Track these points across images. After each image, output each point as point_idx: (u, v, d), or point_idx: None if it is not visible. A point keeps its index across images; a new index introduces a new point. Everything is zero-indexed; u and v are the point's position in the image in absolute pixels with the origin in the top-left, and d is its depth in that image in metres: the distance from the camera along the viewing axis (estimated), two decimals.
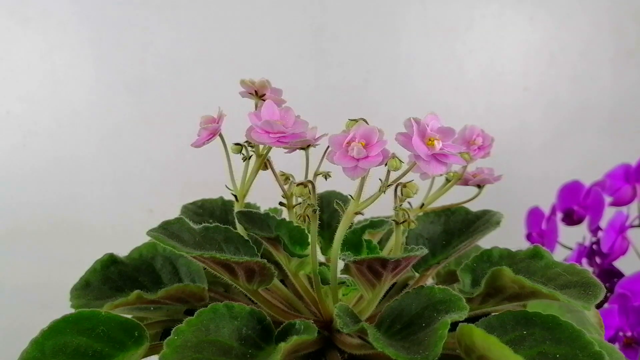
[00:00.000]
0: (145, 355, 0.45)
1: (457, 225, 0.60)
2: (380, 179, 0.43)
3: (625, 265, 0.81)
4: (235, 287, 0.51)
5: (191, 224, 0.48)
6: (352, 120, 0.43)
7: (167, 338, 0.39)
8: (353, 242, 0.54)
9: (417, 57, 1.13)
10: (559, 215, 0.89)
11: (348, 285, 0.53)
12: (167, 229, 0.47)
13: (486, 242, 0.57)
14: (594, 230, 0.84)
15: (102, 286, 0.53)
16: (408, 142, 0.41)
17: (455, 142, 0.43)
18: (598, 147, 1.19)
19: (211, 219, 0.62)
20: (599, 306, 0.62)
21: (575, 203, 0.88)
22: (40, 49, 1.03)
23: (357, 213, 0.45)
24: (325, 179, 0.54)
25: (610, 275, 0.81)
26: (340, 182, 0.51)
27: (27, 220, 1.07)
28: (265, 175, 0.52)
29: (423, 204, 0.58)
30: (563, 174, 0.95)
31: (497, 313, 0.45)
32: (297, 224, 0.52)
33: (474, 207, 0.61)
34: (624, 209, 0.84)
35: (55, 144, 1.07)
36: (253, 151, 0.51)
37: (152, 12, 1.05)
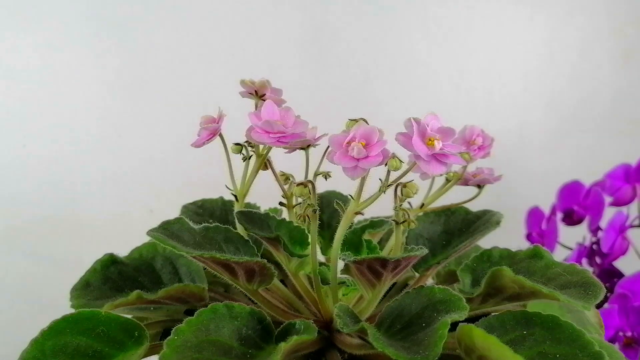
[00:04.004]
0: (145, 355, 0.45)
1: (457, 225, 0.60)
2: (380, 179, 0.43)
3: (625, 265, 0.81)
4: (235, 287, 0.51)
5: (191, 224, 0.48)
6: (352, 120, 0.43)
7: (167, 338, 0.39)
8: (353, 242, 0.54)
9: (417, 57, 1.13)
10: (559, 215, 0.89)
11: (348, 285, 0.53)
12: (167, 229, 0.47)
13: (486, 242, 0.57)
14: (594, 230, 0.84)
15: (102, 286, 0.53)
16: (408, 142, 0.41)
17: (455, 142, 0.43)
18: (598, 147, 1.19)
19: (211, 219, 0.62)
20: (599, 306, 0.62)
21: (575, 203, 0.88)
22: (40, 49, 1.03)
23: (357, 213, 0.45)
24: (325, 179, 0.54)
25: (610, 275, 0.81)
26: (340, 182, 0.51)
27: (27, 220, 1.07)
28: (265, 175, 0.52)
29: (423, 204, 0.58)
30: (563, 174, 0.95)
31: (497, 313, 0.45)
32: (297, 224, 0.52)
33: (474, 207, 0.61)
34: (624, 209, 0.84)
35: (55, 144, 1.07)
36: (253, 151, 0.51)
37: (152, 12, 1.05)
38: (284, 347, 0.39)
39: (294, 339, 0.40)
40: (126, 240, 0.58)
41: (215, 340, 0.40)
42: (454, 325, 0.41)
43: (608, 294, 0.75)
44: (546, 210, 0.91)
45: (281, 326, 0.45)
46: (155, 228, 0.46)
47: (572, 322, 0.41)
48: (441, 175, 0.45)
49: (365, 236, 0.55)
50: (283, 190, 0.53)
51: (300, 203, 0.53)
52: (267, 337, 0.44)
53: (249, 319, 0.44)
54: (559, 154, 1.19)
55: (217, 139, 0.49)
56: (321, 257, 0.59)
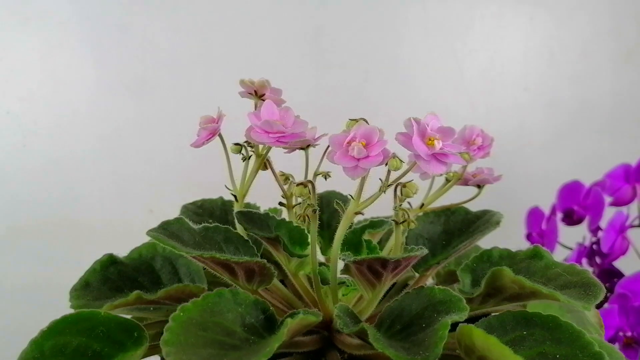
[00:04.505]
0: (145, 356, 0.45)
1: (457, 225, 0.60)
2: (380, 179, 0.43)
3: (625, 265, 0.81)
4: (235, 287, 0.50)
5: (191, 224, 0.48)
6: (352, 120, 0.43)
7: (173, 313, 0.39)
8: (353, 242, 0.54)
9: (417, 57, 1.13)
10: (559, 215, 0.89)
11: (348, 286, 0.53)
12: (166, 229, 0.47)
13: (486, 242, 0.57)
14: (594, 230, 0.84)
15: (101, 286, 0.53)
16: (408, 141, 0.41)
17: (455, 142, 0.43)
18: (598, 147, 1.19)
19: (211, 219, 0.62)
20: (599, 306, 0.62)
21: (575, 203, 0.88)
22: (40, 49, 1.03)
23: (357, 213, 0.45)
24: (325, 179, 0.54)
25: (610, 275, 0.81)
26: (340, 182, 0.50)
27: (27, 220, 1.07)
28: (265, 175, 0.52)
29: (423, 204, 0.58)
30: (563, 174, 0.95)
31: (497, 313, 0.45)
32: (297, 224, 0.52)
33: (474, 207, 0.61)
34: (624, 209, 0.84)
35: (55, 144, 1.07)
36: (252, 151, 0.51)
37: (152, 12, 1.05)
38: (290, 323, 0.39)
39: (300, 317, 0.40)
40: (126, 240, 0.58)
41: (220, 322, 0.40)
42: (454, 326, 0.41)
43: (608, 294, 0.75)
44: (546, 210, 0.91)
45: (284, 316, 0.45)
46: (155, 228, 0.46)
47: (572, 322, 0.41)
48: (441, 175, 0.45)
49: (365, 236, 0.55)
50: (283, 190, 0.53)
51: (300, 203, 0.53)
52: (269, 328, 0.44)
53: (252, 307, 0.44)
54: (559, 154, 1.19)
55: (217, 139, 0.49)
56: (321, 257, 0.59)
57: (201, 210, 0.64)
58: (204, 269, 0.53)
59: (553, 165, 1.18)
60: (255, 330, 0.42)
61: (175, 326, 0.38)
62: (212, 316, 0.40)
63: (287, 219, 0.53)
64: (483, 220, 0.59)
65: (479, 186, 0.58)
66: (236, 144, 0.51)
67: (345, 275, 0.48)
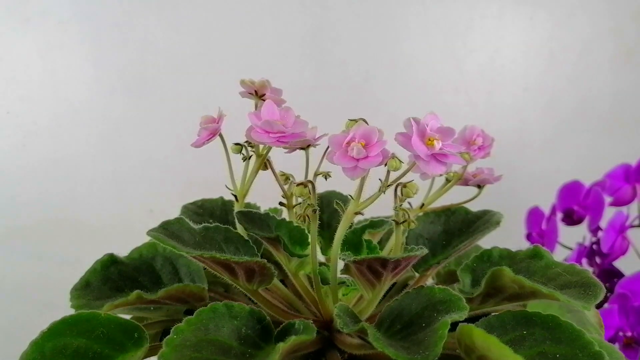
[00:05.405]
0: (145, 357, 0.45)
1: (457, 225, 0.60)
2: (380, 179, 0.43)
3: (625, 265, 0.81)
4: (235, 287, 0.51)
5: (191, 224, 0.48)
6: (351, 120, 0.43)
7: (167, 337, 0.39)
8: (353, 242, 0.54)
9: (417, 57, 1.13)
10: (559, 215, 0.89)
11: (348, 285, 0.53)
12: (167, 229, 0.47)
13: (486, 242, 0.57)
14: (594, 230, 0.84)
15: (102, 286, 0.53)
16: (407, 142, 0.41)
17: (455, 142, 0.43)
18: (598, 147, 1.19)
19: (211, 219, 0.62)
20: (599, 306, 0.62)
21: (575, 203, 0.88)
22: (40, 49, 1.03)
23: (357, 213, 0.45)
24: (325, 179, 0.54)
25: (610, 275, 0.81)
26: (340, 182, 0.51)
27: (27, 220, 1.07)
28: (265, 175, 0.52)
29: (423, 204, 0.58)
30: (563, 174, 0.95)
31: (497, 313, 0.45)
32: (297, 224, 0.52)
33: (474, 207, 0.61)
34: (624, 209, 0.84)
35: (55, 144, 1.07)
36: (253, 151, 0.51)
37: (152, 12, 1.05)
38: (282, 347, 0.39)
39: (292, 339, 0.40)
40: (126, 240, 0.58)
41: (215, 340, 0.40)
42: (454, 325, 0.41)
43: (608, 294, 0.75)
44: (546, 210, 0.91)
45: (280, 326, 0.45)
46: (155, 228, 0.46)
47: (572, 322, 0.41)
48: (441, 175, 0.45)
49: (365, 236, 0.55)
50: (283, 190, 0.53)
51: (300, 203, 0.53)
52: (266, 337, 0.44)
53: (248, 319, 0.44)
54: (559, 154, 1.19)
55: (217, 139, 0.49)
56: (321, 257, 0.59)
57: (201, 210, 0.64)
58: (205, 268, 0.53)
59: (553, 165, 1.18)
60: (252, 342, 0.42)
61: (169, 351, 0.38)
62: (207, 334, 0.40)
63: (287, 219, 0.54)
64: (483, 220, 0.59)
65: (479, 186, 0.58)
66: (237, 144, 0.51)
67: (345, 275, 0.48)
